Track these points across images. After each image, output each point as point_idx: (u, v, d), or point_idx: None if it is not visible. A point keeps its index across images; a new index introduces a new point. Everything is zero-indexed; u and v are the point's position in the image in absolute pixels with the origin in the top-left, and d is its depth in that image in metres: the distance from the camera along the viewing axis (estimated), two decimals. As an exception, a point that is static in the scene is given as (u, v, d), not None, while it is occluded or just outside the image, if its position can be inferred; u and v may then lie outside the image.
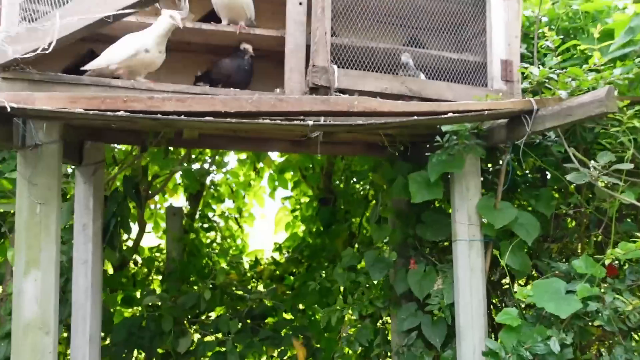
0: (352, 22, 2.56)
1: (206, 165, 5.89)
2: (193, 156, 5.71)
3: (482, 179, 2.73)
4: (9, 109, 1.71)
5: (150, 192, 5.08)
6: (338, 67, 2.35)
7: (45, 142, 2.13)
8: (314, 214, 5.76)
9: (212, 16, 2.58)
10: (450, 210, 2.80)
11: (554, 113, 2.19)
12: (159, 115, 1.87)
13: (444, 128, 2.46)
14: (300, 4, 2.40)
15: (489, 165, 3.04)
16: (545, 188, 2.88)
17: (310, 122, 1.95)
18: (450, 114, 2.13)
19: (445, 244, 3.22)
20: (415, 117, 2.08)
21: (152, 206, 6.03)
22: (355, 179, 5.34)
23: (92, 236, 2.98)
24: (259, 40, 2.56)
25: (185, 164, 5.41)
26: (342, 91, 2.41)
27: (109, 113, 1.79)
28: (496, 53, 2.70)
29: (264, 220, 6.68)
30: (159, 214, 6.00)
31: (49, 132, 2.15)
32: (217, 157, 5.93)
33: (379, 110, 2.12)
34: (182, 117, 1.88)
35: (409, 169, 3.09)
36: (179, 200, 6.10)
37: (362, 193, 5.44)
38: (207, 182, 5.93)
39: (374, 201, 5.35)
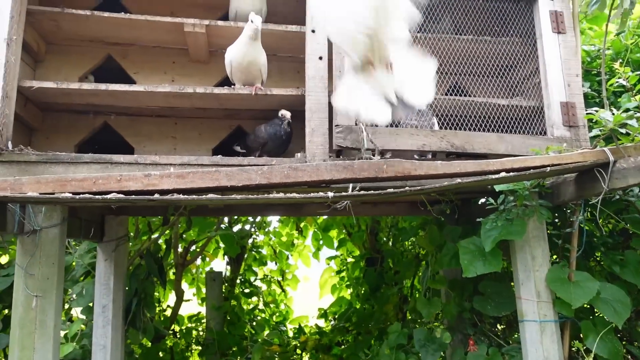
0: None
1: (247, 227, 5.70)
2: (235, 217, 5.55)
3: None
4: (-13, 199, 1.52)
5: (188, 257, 4.91)
6: (366, 125, 2.04)
7: (44, 226, 1.94)
8: (361, 276, 5.33)
9: (226, 83, 2.39)
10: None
11: (637, 165, 1.74)
12: (156, 196, 1.62)
13: (498, 188, 2.06)
14: (321, 58, 2.15)
15: (557, 224, 2.56)
16: (631, 251, 2.36)
17: (331, 194, 1.63)
18: (504, 174, 1.74)
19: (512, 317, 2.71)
20: (459, 181, 1.71)
21: (194, 270, 5.88)
22: (402, 237, 4.90)
23: (111, 318, 2.75)
24: (277, 100, 2.32)
25: (223, 227, 5.24)
26: (373, 152, 2.10)
27: (98, 197, 1.57)
28: (554, 95, 2.30)
29: (308, 283, 6.30)
30: (201, 279, 5.80)
31: (49, 215, 1.97)
32: (258, 218, 5.73)
33: (414, 174, 1.77)
34: (182, 196, 1.63)
35: (459, 233, 2.68)
36: (223, 262, 5.88)
37: (411, 252, 4.98)
38: (249, 243, 5.71)
39: (424, 262, 4.88)
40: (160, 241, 3.81)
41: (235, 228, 5.56)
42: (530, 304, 2.16)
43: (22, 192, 1.61)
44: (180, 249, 4.81)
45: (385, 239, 5.36)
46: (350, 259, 5.80)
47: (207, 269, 5.78)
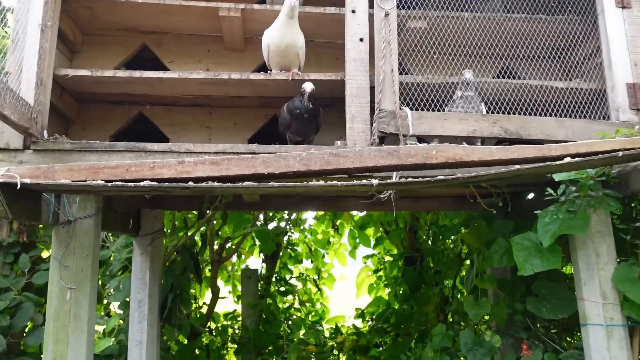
0: (425, 56, 2.13)
1: (283, 224, 5.62)
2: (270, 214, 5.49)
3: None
4: (19, 185, 1.47)
5: (223, 254, 4.87)
6: (410, 109, 1.90)
7: (79, 217, 1.90)
8: (399, 275, 5.16)
9: (262, 71, 2.29)
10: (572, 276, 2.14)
11: None
12: (190, 184, 1.54)
13: (557, 177, 1.87)
14: (362, 40, 2.02)
15: (623, 217, 2.33)
16: None
17: (375, 181, 1.50)
18: (568, 159, 1.56)
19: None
20: (518, 167, 1.54)
21: (230, 268, 5.85)
22: (444, 235, 4.69)
23: (147, 314, 2.71)
24: (317, 86, 2.20)
25: (259, 224, 5.18)
26: (418, 139, 1.95)
27: (130, 184, 1.49)
28: (619, 76, 2.09)
29: (345, 282, 6.16)
30: (236, 276, 5.76)
31: (84, 206, 1.93)
32: (294, 215, 5.64)
33: (467, 160, 1.61)
34: (216, 183, 1.53)
35: (510, 228, 2.48)
36: (258, 260, 5.83)
37: (453, 250, 4.77)
38: (284, 241, 5.64)
39: (468, 261, 4.66)
40: (196, 237, 3.78)
41: (271, 225, 5.49)
42: (595, 306, 1.96)
43: (55, 180, 1.56)
44: (215, 246, 4.78)
45: (424, 237, 5.16)
46: (387, 258, 5.64)
47: (243, 266, 5.75)
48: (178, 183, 1.56)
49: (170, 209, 3.02)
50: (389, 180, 1.53)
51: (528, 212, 2.47)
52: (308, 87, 2.04)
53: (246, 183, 1.53)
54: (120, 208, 2.52)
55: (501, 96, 2.21)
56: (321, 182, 1.54)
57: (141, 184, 1.51)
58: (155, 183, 1.54)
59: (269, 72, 2.16)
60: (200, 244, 3.85)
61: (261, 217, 5.35)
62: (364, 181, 1.52)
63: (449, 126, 1.90)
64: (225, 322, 5.05)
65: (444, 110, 1.99)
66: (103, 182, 1.53)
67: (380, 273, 5.56)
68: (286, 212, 5.70)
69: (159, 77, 2.05)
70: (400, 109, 1.88)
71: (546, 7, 2.31)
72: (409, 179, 1.54)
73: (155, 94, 2.25)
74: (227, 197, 2.66)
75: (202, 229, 3.95)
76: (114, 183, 1.51)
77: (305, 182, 1.52)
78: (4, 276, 3.38)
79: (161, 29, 2.40)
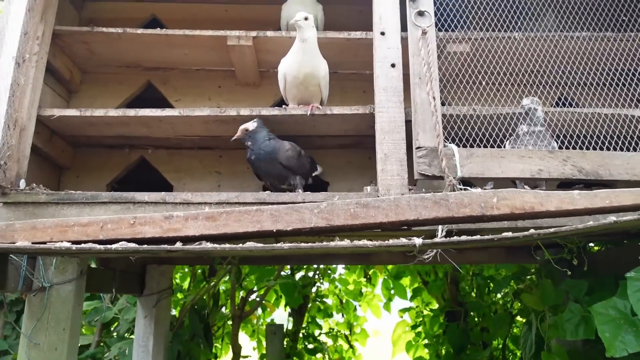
0: (469, 84, 1.78)
1: (310, 274, 5.21)
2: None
3: None
4: (-38, 251, 1.17)
5: (246, 308, 4.48)
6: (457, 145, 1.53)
7: (56, 282, 1.58)
8: (441, 332, 4.61)
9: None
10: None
11: None
12: (177, 245, 1.20)
13: (655, 229, 1.44)
14: (393, 65, 1.69)
15: None
16: None
17: (418, 241, 1.12)
18: (683, 208, 1.14)
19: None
20: (614, 220, 1.13)
21: (255, 321, 5.43)
22: (492, 289, 4.17)
23: (149, 390, 2.33)
24: (340, 122, 1.88)
25: (285, 273, 4.79)
26: (465, 183, 1.56)
27: (100, 247, 1.16)
28: None
29: (379, 338, 5.61)
30: (261, 331, 5.32)
31: (62, 268, 1.61)
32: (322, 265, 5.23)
33: (539, 211, 1.21)
34: (209, 245, 1.19)
35: (584, 290, 2.02)
36: (285, 312, 5.39)
37: (502, 305, 4.23)
38: (312, 292, 5.20)
39: (518, 317, 4.10)
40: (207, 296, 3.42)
41: (298, 275, 5.09)
42: None
43: (14, 241, 1.25)
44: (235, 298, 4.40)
45: (467, 288, 4.64)
46: (426, 312, 5.10)
47: (269, 319, 5.32)
48: (163, 245, 1.22)
49: (179, 263, 2.69)
50: (437, 240, 1.15)
51: (600, 269, 2.02)
52: (243, 126, 1.73)
53: (248, 244, 1.18)
54: (119, 265, 2.20)
55: (562, 128, 1.82)
56: (346, 243, 1.17)
57: (114, 246, 1.18)
58: (133, 245, 1.20)
59: (283, 106, 1.85)
60: (212, 303, 3.47)
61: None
62: (403, 240, 1.14)
63: (507, 166, 1.51)
64: (248, 385, 4.59)
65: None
66: (68, 245, 1.20)
67: (419, 329, 5.00)
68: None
69: (157, 115, 1.77)
70: (445, 145, 1.51)
71: (614, 23, 1.94)
72: (463, 238, 1.15)
73: (155, 135, 1.97)
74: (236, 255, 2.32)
75: (215, 286, 3.58)
76: (81, 246, 1.19)
77: (325, 243, 1.15)
78: (4, 337, 3.11)
79: (166, 65, 2.15)
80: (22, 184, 1.60)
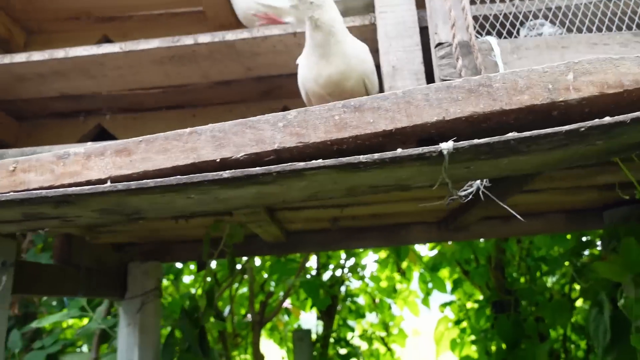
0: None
1: (339, 272, 4.74)
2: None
3: None
4: None
5: (266, 313, 4.06)
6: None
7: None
8: (489, 326, 4.06)
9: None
10: None
11: None
12: (71, 189, 0.77)
13: None
14: (396, -48, 1.23)
15: None
16: None
17: (447, 145, 0.66)
18: None
19: None
20: None
21: (282, 327, 5.00)
22: (546, 269, 3.59)
23: (135, 412, 1.92)
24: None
25: (310, 275, 4.35)
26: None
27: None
28: None
29: (420, 337, 5.07)
30: (289, 337, 4.89)
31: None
32: (351, 261, 4.76)
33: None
34: (119, 185, 0.76)
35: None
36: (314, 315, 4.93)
37: (559, 290, 3.65)
38: (341, 292, 4.74)
39: (581, 300, 3.52)
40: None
41: (326, 276, 4.64)
42: None
43: None
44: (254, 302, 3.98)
45: (515, 274, 4.07)
46: (470, 305, 4.55)
47: (296, 324, 4.88)
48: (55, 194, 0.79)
49: (167, 260, 2.27)
50: (475, 141, 0.68)
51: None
52: None
53: (170, 179, 0.74)
54: (86, 261, 1.80)
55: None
56: (332, 161, 0.71)
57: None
58: (13, 194, 0.79)
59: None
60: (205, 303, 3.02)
61: (312, 264, 4.53)
62: (423, 148, 0.68)
63: (575, 58, 1.02)
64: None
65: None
66: None
67: (464, 324, 4.45)
68: (342, 258, 4.85)
69: (93, 54, 1.36)
70: (476, 36, 1.04)
71: None
72: (522, 134, 0.67)
73: (107, 91, 1.58)
74: (235, 237, 1.89)
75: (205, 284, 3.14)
76: None
77: (290, 164, 0.71)
78: None
79: (122, 11, 1.76)
80: None
